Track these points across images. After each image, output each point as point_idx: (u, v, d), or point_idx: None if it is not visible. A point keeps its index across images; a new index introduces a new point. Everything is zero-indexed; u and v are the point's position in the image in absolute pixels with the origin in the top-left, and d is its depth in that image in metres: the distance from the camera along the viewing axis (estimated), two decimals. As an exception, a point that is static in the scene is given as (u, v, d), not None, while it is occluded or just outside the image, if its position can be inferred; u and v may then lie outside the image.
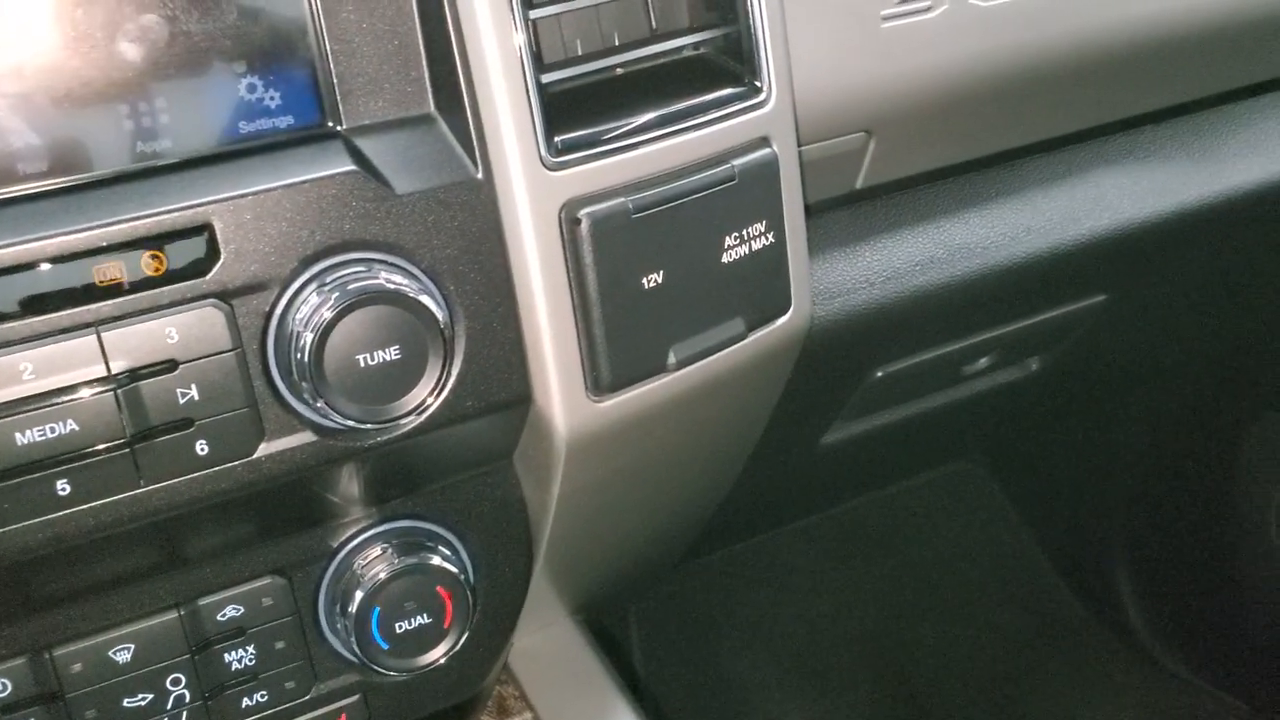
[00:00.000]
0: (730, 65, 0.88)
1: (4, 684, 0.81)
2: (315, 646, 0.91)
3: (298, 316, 0.74)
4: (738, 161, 0.86)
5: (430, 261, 0.77)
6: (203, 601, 0.86)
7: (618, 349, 0.84)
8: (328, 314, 0.73)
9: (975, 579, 2.18)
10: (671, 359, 0.87)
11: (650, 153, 0.82)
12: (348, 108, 0.78)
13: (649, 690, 1.95)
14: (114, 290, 0.71)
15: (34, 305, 0.69)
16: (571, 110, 0.81)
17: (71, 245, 0.69)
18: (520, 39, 0.77)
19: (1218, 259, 1.42)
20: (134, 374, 0.71)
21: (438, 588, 0.90)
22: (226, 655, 0.87)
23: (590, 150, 0.80)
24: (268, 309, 0.74)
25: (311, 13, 0.76)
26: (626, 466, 0.98)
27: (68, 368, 0.70)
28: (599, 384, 0.84)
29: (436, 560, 0.90)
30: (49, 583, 0.79)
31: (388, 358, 0.75)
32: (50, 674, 0.82)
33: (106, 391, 0.71)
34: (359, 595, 0.88)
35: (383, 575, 0.88)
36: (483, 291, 0.79)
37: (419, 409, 0.77)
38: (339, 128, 0.78)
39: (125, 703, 0.85)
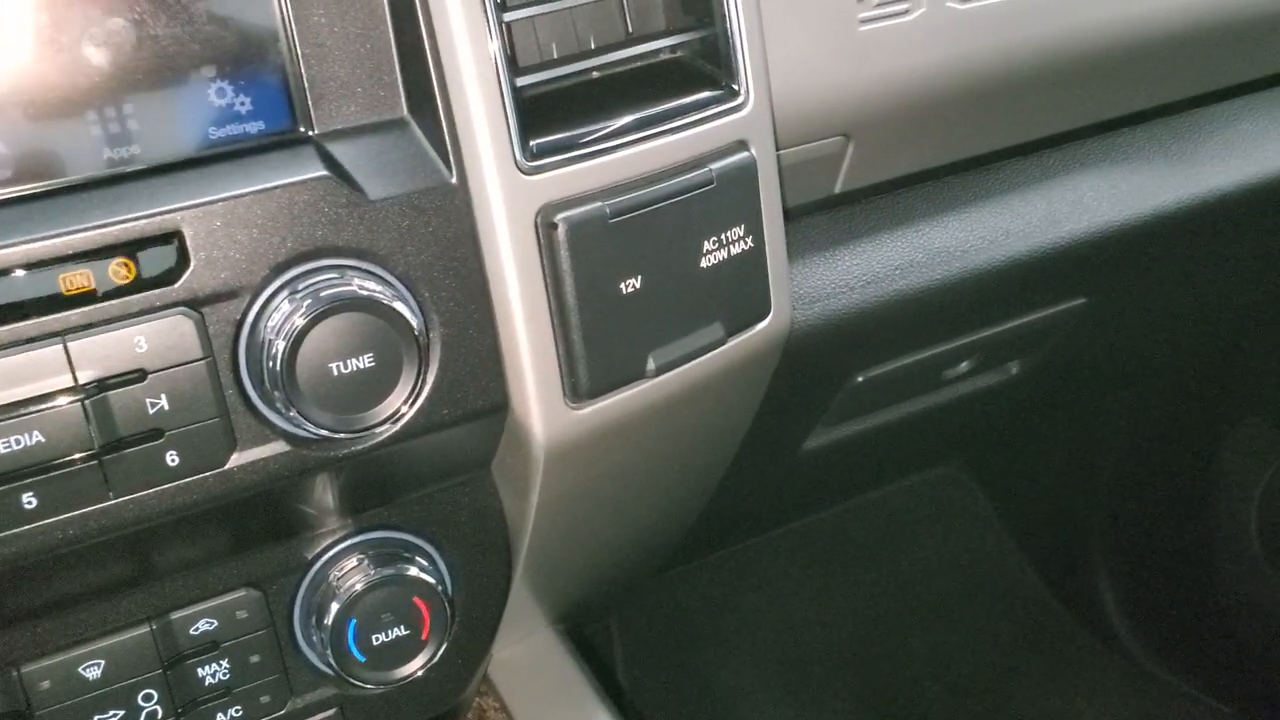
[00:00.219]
0: (707, 69, 0.87)
1: (-30, 702, 0.80)
2: (290, 660, 0.90)
3: (269, 324, 0.73)
4: (715, 165, 0.85)
5: (404, 268, 0.76)
6: (175, 615, 0.85)
7: (596, 355, 0.83)
8: (300, 322, 0.72)
9: (958, 584, 2.18)
10: (650, 365, 0.86)
11: (627, 156, 0.82)
12: (319, 112, 0.77)
13: (631, 700, 1.94)
14: (81, 299, 0.69)
15: (-2, 314, 0.68)
16: (547, 114, 0.81)
17: (37, 253, 0.68)
18: (494, 42, 0.76)
19: (1197, 262, 1.43)
20: (102, 384, 0.70)
21: (415, 599, 0.88)
22: (200, 670, 0.86)
23: (566, 154, 0.79)
24: (239, 317, 0.73)
25: (282, 17, 0.75)
26: (606, 474, 0.97)
27: (33, 378, 0.69)
28: (577, 391, 0.83)
29: (413, 571, 0.89)
30: (16, 598, 0.78)
31: (361, 366, 0.74)
32: (18, 691, 0.81)
33: (74, 402, 0.70)
34: (335, 607, 0.87)
35: (359, 587, 0.87)
36: (458, 298, 0.78)
37: (394, 418, 0.76)
38: (311, 133, 0.77)
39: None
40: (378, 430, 0.77)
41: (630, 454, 0.96)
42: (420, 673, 0.90)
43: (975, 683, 2.04)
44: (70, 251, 0.68)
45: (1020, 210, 1.19)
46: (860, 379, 1.26)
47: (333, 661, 0.87)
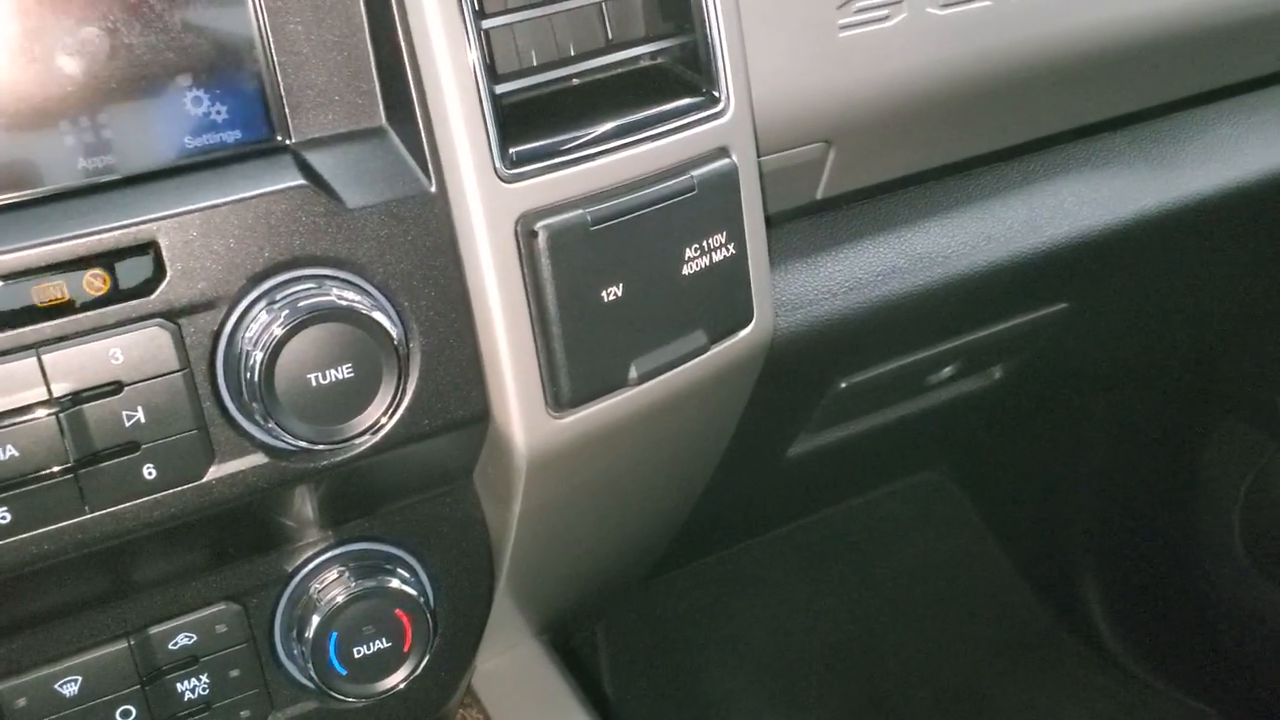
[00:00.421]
0: (687, 75, 0.87)
1: (-55, 722, 0.79)
2: (271, 673, 0.89)
3: (247, 335, 0.72)
4: (697, 172, 0.84)
5: (383, 277, 0.76)
6: (153, 630, 0.84)
7: (578, 364, 0.82)
8: (278, 332, 0.71)
9: (943, 589, 2.18)
10: (633, 373, 0.85)
11: (608, 164, 0.81)
12: (297, 121, 0.76)
13: (617, 709, 1.93)
14: (55, 310, 0.69)
15: (-30, 327, 0.67)
16: (527, 121, 0.80)
17: (9, 265, 0.67)
18: (473, 50, 0.76)
19: (1177, 265, 1.43)
20: (77, 397, 0.69)
21: (397, 611, 0.88)
22: (179, 685, 0.85)
23: (546, 162, 0.79)
24: (216, 328, 0.72)
25: (258, 25, 0.75)
26: (589, 483, 0.96)
27: (7, 391, 0.68)
28: (559, 400, 0.83)
29: (395, 583, 0.88)
30: (-9, 614, 0.77)
31: (340, 376, 0.73)
32: (-6, 709, 0.80)
33: (49, 415, 0.69)
34: (316, 620, 0.86)
35: (340, 599, 0.86)
36: (438, 307, 0.78)
37: (373, 428, 0.76)
38: (288, 142, 0.76)
39: None
40: (357, 441, 0.76)
41: (613, 463, 0.96)
42: (403, 685, 0.90)
43: (961, 687, 2.04)
44: (44, 263, 0.68)
45: (1001, 215, 1.19)
46: (844, 385, 1.26)
47: (314, 675, 0.87)
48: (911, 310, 1.15)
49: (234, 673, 0.87)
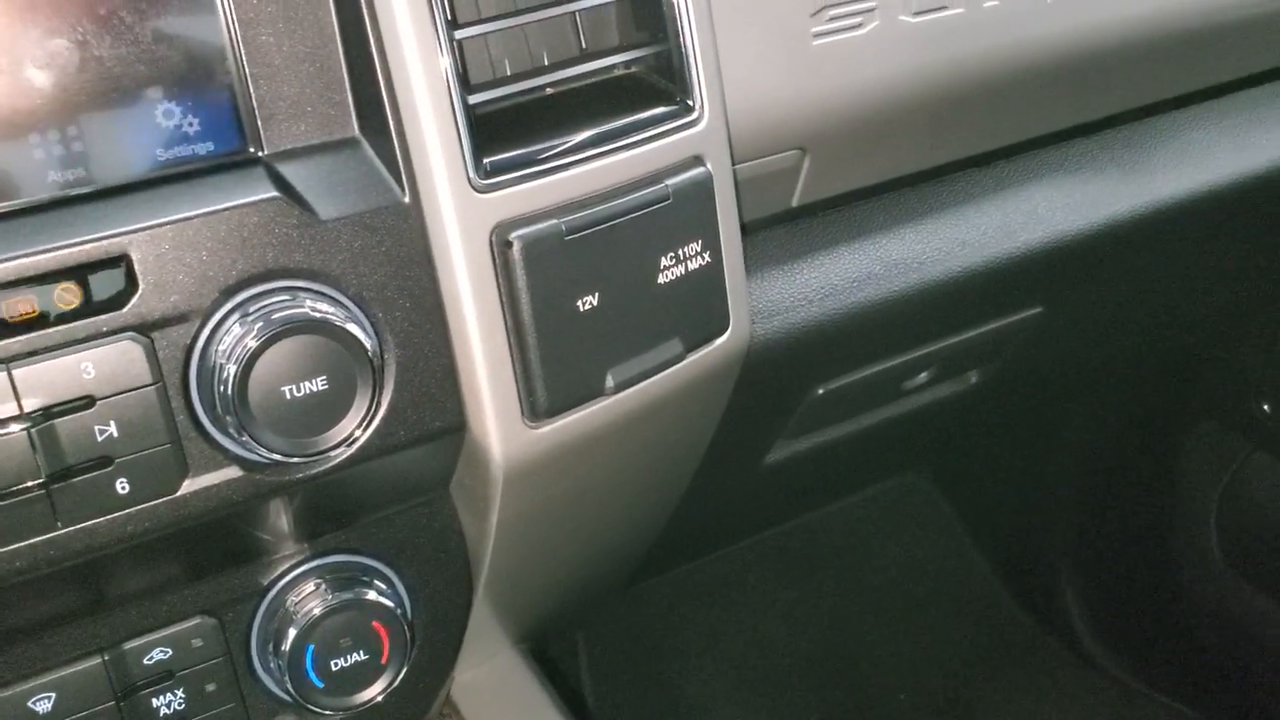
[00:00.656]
0: (661, 84, 0.87)
1: (-84, 740, 0.78)
2: (248, 687, 0.89)
3: (220, 348, 0.72)
4: (671, 181, 0.85)
5: (357, 289, 0.75)
6: (128, 645, 0.83)
7: (553, 374, 0.82)
8: (252, 344, 0.71)
9: (923, 593, 2.18)
10: (609, 382, 0.85)
11: (582, 173, 0.81)
12: (269, 133, 0.76)
13: (598, 718, 1.92)
14: (25, 325, 0.68)
15: (-61, 343, 0.66)
16: (501, 131, 0.80)
17: (-21, 279, 0.66)
18: (445, 60, 0.76)
19: (1150, 269, 1.44)
20: (48, 412, 0.69)
21: (374, 623, 0.87)
22: (154, 700, 0.84)
23: (521, 171, 0.79)
24: (189, 341, 0.72)
25: (230, 36, 0.74)
26: (566, 493, 0.96)
27: (-24, 407, 0.67)
28: (535, 410, 0.83)
29: (372, 595, 0.88)
30: (-38, 632, 0.76)
31: (315, 389, 0.73)
32: (-34, 727, 0.79)
33: (19, 431, 0.68)
34: (292, 633, 0.86)
35: (317, 612, 0.86)
36: (412, 318, 0.77)
37: (348, 440, 0.75)
38: (260, 153, 0.76)
39: None
40: (333, 454, 0.76)
41: (591, 472, 0.95)
42: (380, 698, 0.89)
43: (941, 691, 2.04)
44: (14, 277, 0.67)
45: (976, 221, 1.19)
46: (821, 391, 1.26)
47: (291, 688, 0.86)
48: (887, 316, 1.15)
49: (210, 687, 0.87)
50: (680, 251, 0.86)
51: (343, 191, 0.75)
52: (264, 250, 0.73)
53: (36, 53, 0.70)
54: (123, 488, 0.72)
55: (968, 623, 2.15)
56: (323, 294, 0.74)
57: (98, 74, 0.72)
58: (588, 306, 0.82)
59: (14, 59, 0.69)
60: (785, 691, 2.02)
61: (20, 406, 0.68)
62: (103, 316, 0.70)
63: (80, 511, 0.71)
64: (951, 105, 1.10)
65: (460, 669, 1.12)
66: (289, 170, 0.75)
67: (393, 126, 0.76)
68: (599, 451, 0.92)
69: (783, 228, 1.13)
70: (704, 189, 0.87)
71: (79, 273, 0.69)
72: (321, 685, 0.87)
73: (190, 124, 0.75)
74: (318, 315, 0.72)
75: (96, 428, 0.70)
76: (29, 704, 0.81)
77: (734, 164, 0.93)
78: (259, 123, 0.76)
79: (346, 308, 0.75)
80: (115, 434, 0.71)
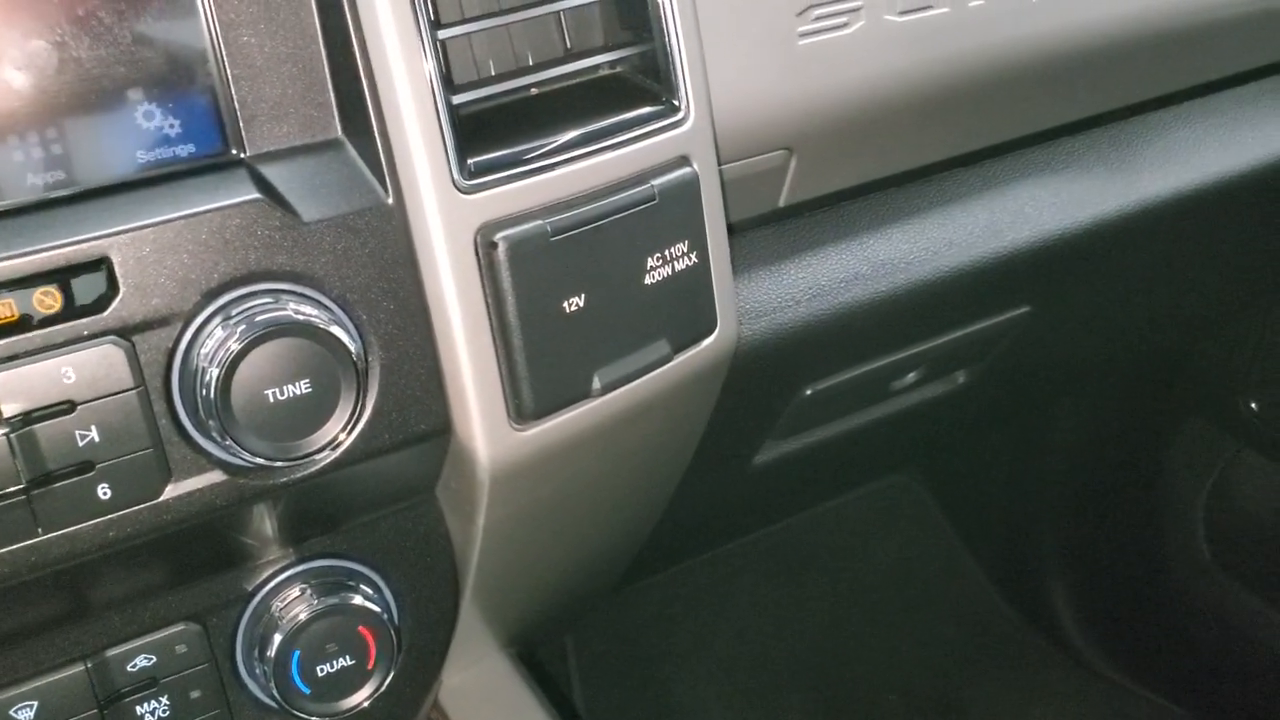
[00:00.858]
0: (647, 84, 0.87)
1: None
2: (233, 694, 0.88)
3: (203, 351, 0.71)
4: (657, 181, 0.84)
5: (341, 291, 0.75)
6: (111, 652, 0.83)
7: (540, 376, 0.82)
8: (234, 348, 0.70)
9: (913, 592, 2.18)
10: (596, 384, 0.85)
11: (568, 173, 0.81)
12: (251, 134, 0.75)
13: (588, 720, 1.92)
14: (4, 329, 0.67)
15: (-84, 348, 0.66)
16: (485, 131, 0.79)
17: (-44, 284, 0.66)
18: (429, 60, 0.75)
19: (1137, 268, 1.44)
20: (28, 417, 0.68)
21: (360, 628, 0.87)
22: (138, 708, 0.84)
23: (505, 172, 0.78)
24: (171, 345, 0.71)
25: (211, 37, 0.74)
26: (553, 495, 0.95)
27: (-45, 413, 0.66)
28: (521, 412, 0.82)
29: (358, 599, 0.87)
30: (-58, 640, 0.75)
31: (298, 392, 0.72)
32: (-53, 736, 0.78)
33: (-1, 436, 0.67)
34: (278, 639, 0.85)
35: (302, 617, 0.85)
36: (397, 321, 0.77)
37: (332, 444, 0.75)
38: (242, 155, 0.75)
39: None
40: (317, 457, 0.75)
41: (578, 474, 0.95)
42: (367, 703, 0.89)
43: (931, 690, 2.04)
44: None
45: (963, 221, 1.19)
46: (809, 392, 1.26)
47: (277, 694, 0.86)
48: (875, 316, 1.15)
49: (195, 694, 0.86)
50: (667, 252, 0.86)
51: (325, 193, 0.75)
52: (246, 252, 0.72)
53: (14, 54, 0.69)
54: (104, 493, 0.71)
55: (957, 623, 2.15)
56: (306, 296, 0.74)
57: (77, 76, 0.71)
58: (574, 308, 0.82)
59: (-9, 60, 0.69)
60: (775, 693, 2.02)
61: (0, 412, 0.67)
62: (83, 320, 0.69)
63: (61, 517, 0.71)
64: (938, 105, 1.10)
65: (448, 673, 1.12)
66: (271, 172, 0.74)
67: (376, 127, 0.75)
68: (586, 453, 0.92)
69: (770, 228, 1.13)
70: (690, 189, 0.86)
71: (59, 276, 0.68)
72: (308, 691, 0.86)
73: (171, 126, 0.74)
74: (301, 318, 0.72)
75: (77, 433, 0.69)
76: (10, 713, 0.80)
77: (720, 164, 0.92)
78: (241, 124, 0.75)
79: (330, 310, 0.74)
80: (96, 439, 0.70)
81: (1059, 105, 1.23)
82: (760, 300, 1.08)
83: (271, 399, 0.72)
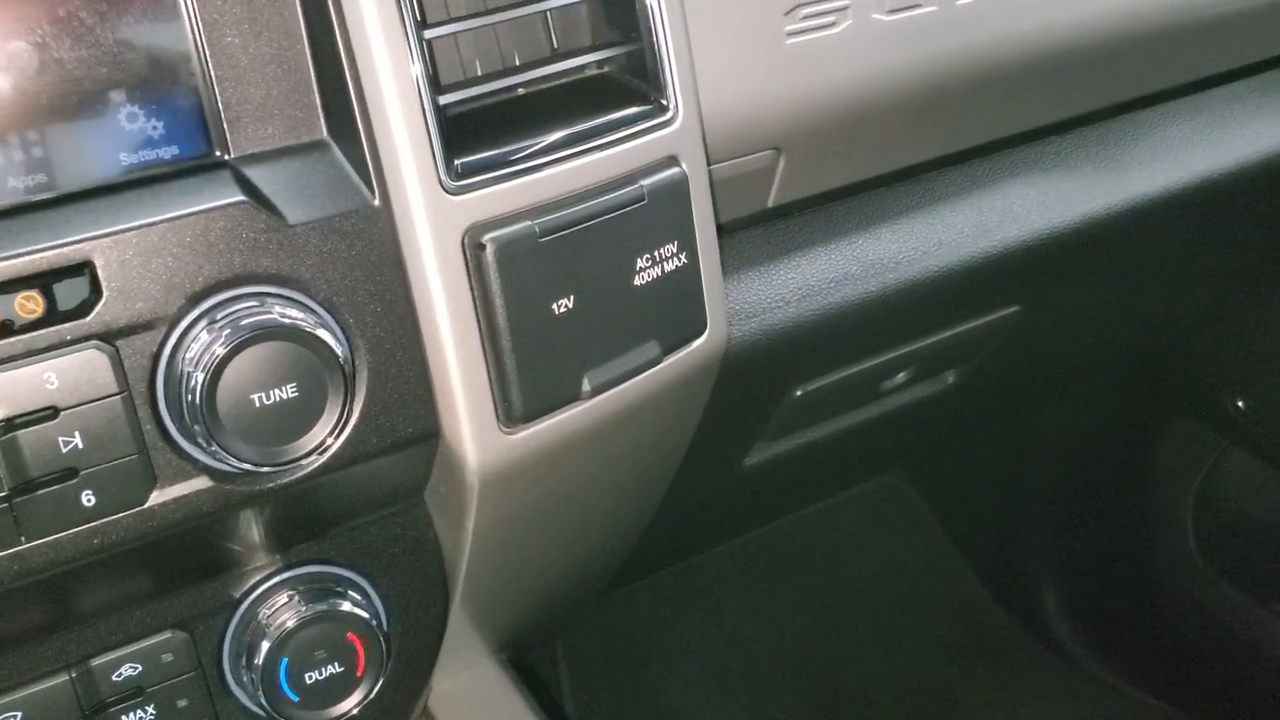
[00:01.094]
0: (635, 84, 0.86)
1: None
2: (220, 702, 0.87)
3: (188, 356, 0.70)
4: (646, 181, 0.84)
5: (327, 294, 0.74)
6: (96, 662, 0.82)
7: (529, 378, 0.81)
8: (219, 352, 0.69)
9: (903, 593, 2.18)
10: (586, 386, 0.84)
11: (556, 174, 0.80)
12: (235, 136, 0.75)
13: (578, 725, 1.91)
14: (-15, 335, 0.66)
15: (-104, 354, 0.65)
16: (472, 132, 0.79)
17: (-64, 289, 0.65)
18: (415, 61, 0.74)
19: (1126, 267, 1.44)
20: (10, 423, 0.67)
21: (349, 635, 0.86)
22: (124, 718, 0.83)
23: (493, 173, 0.78)
24: (155, 349, 0.71)
25: (194, 38, 0.73)
26: (543, 499, 0.95)
27: (-64, 420, 0.65)
28: (510, 415, 0.82)
29: (347, 606, 0.86)
30: (-76, 651, 0.74)
31: (285, 396, 0.71)
32: (-71, 748, 0.77)
33: (-20, 443, 0.66)
34: (266, 646, 0.84)
35: (290, 624, 0.85)
36: (384, 323, 0.76)
37: (320, 449, 0.74)
38: (227, 157, 0.75)
39: None
40: (304, 462, 0.74)
41: (568, 477, 0.94)
42: (356, 710, 0.88)
43: (922, 691, 2.04)
44: None
45: (951, 220, 1.19)
46: (799, 393, 1.25)
47: (265, 702, 0.85)
48: (864, 316, 1.14)
49: (182, 703, 0.85)
50: (656, 253, 0.85)
51: (311, 195, 0.74)
52: (231, 255, 0.71)
53: (-6, 56, 0.68)
54: (89, 500, 0.70)
55: (947, 623, 2.15)
56: (292, 299, 0.73)
57: (58, 78, 0.70)
58: (563, 309, 0.81)
59: (-29, 62, 0.68)
60: (766, 694, 2.01)
61: (-20, 418, 0.66)
62: (66, 325, 0.68)
63: (45, 525, 0.70)
64: (926, 104, 1.09)
65: (438, 679, 1.11)
66: (256, 174, 0.74)
67: (362, 128, 0.75)
68: (576, 456, 0.91)
69: (759, 228, 1.13)
70: (679, 189, 0.86)
71: (41, 280, 0.67)
72: (296, 699, 0.85)
73: (154, 128, 0.73)
74: (287, 321, 0.71)
75: (61, 439, 0.69)
76: (-6, 723, 0.79)
77: (709, 164, 0.92)
78: (225, 126, 0.74)
79: (316, 313, 0.73)
80: (80, 445, 0.69)
81: (1048, 104, 1.23)
82: (750, 301, 1.08)
83: (257, 403, 0.71)
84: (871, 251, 1.15)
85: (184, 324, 0.71)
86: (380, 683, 0.88)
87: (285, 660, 0.84)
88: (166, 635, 0.84)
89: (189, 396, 0.70)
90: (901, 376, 1.38)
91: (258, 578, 0.86)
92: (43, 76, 0.69)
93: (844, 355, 1.26)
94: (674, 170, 0.85)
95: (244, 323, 0.70)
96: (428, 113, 0.75)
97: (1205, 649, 1.94)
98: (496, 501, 0.87)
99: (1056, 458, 2.07)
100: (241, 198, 0.71)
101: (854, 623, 2.13)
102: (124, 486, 0.71)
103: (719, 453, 1.28)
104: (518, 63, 0.84)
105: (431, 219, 0.76)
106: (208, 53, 0.73)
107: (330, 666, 0.86)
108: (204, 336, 0.70)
